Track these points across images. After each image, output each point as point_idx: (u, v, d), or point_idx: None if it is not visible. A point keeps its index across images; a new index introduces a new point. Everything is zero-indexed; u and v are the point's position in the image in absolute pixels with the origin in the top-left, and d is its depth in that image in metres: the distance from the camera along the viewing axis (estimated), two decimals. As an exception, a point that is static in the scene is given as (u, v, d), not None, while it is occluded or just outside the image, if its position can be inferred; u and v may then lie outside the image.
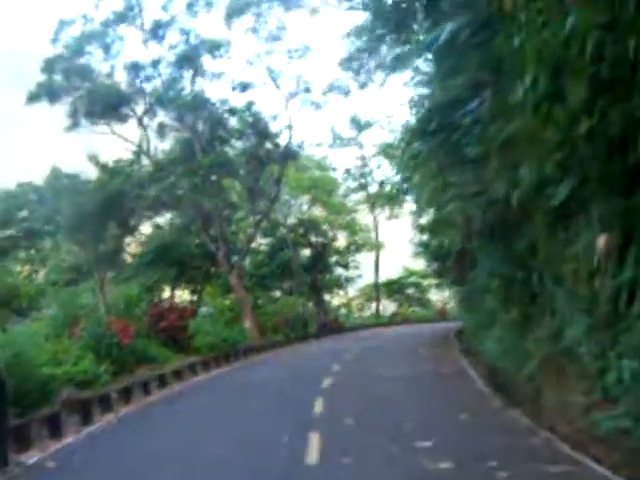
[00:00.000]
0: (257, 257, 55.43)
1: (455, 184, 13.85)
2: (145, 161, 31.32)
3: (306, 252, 59.52)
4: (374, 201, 62.78)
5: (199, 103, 31.50)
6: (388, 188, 58.17)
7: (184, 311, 25.57)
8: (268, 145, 33.24)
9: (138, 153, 27.01)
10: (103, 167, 22.30)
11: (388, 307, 73.17)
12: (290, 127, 33.94)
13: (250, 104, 32.13)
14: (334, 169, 61.44)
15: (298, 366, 21.55)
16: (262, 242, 58.05)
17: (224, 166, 32.64)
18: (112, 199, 19.26)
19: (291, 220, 58.44)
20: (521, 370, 14.64)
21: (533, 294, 13.89)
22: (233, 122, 33.19)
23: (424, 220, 32.15)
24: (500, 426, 10.53)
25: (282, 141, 34.06)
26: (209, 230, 33.75)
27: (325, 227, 59.89)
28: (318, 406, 12.69)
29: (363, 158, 61.63)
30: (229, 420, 12.19)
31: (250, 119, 32.12)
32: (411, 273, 71.34)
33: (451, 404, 12.63)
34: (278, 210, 55.25)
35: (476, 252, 16.41)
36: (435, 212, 20.03)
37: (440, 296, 76.16)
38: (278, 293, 57.06)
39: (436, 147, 14.06)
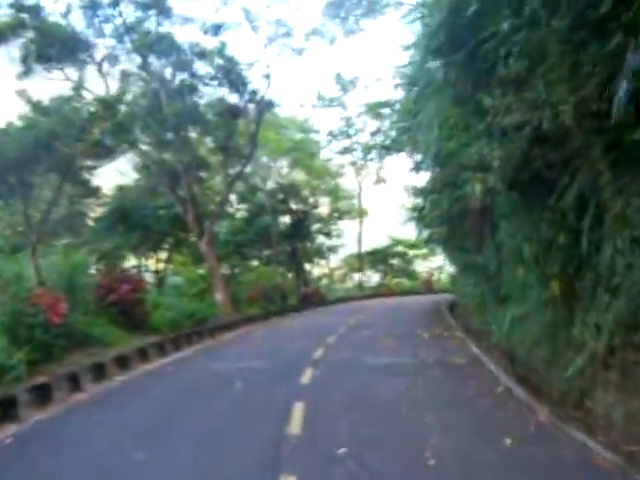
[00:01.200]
0: (234, 223, 51.68)
1: (483, 115, 10.15)
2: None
3: (286, 219, 55.90)
4: (361, 162, 58.65)
5: (165, 47, 27.40)
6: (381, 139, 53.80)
7: (140, 281, 21.72)
8: (243, 95, 29.21)
9: (77, 88, 22.95)
10: (34, 105, 18.29)
11: (372, 278, 70.03)
12: (268, 76, 29.99)
13: (223, 45, 27.98)
14: (317, 131, 57.41)
15: (272, 351, 17.89)
16: (239, 207, 54.43)
17: (193, 118, 28.67)
18: (42, 142, 15.38)
19: (270, 184, 54.74)
20: (558, 362, 11.28)
21: (580, 264, 10.44)
22: (204, 69, 29.11)
23: (423, 176, 28.55)
24: (571, 459, 7.03)
25: (259, 92, 30.16)
26: (177, 191, 29.91)
27: (306, 193, 56.11)
28: (295, 423, 8.85)
29: (348, 119, 57.63)
30: (160, 453, 7.73)
31: (222, 62, 28.03)
32: (397, 242, 68.09)
33: (481, 420, 9.05)
34: (256, 174, 51.65)
35: (502, 209, 12.83)
36: (445, 160, 16.27)
37: (426, 267, 73.39)
38: (256, 262, 53.50)
39: (458, 66, 10.31)
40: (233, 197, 55.66)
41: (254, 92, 29.49)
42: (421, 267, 72.84)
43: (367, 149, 53.21)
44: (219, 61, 28.01)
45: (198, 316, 23.32)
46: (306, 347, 17.88)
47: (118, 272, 21.58)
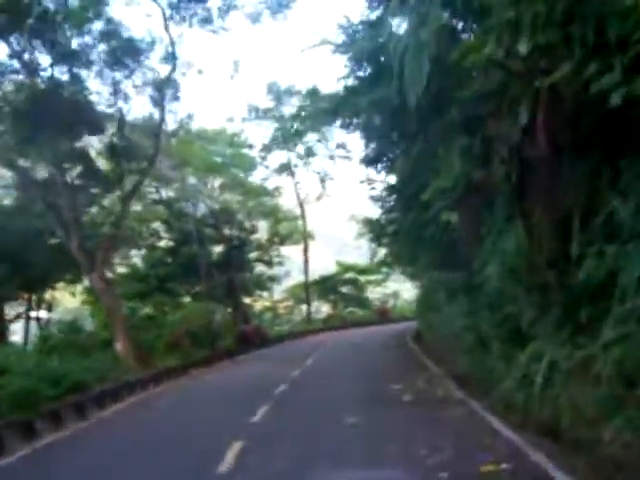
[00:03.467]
0: (154, 254, 44.21)
1: None
2: None
3: (219, 248, 48.70)
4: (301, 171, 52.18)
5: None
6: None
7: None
8: (136, 72, 22.03)
9: None
10: None
11: (321, 308, 63.13)
12: (173, 57, 22.87)
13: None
14: (250, 146, 50.62)
15: (159, 448, 10.67)
16: (164, 236, 46.97)
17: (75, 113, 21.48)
18: None
19: (200, 208, 47.57)
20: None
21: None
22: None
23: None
24: None
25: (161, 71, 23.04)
26: (59, 211, 22.50)
27: (241, 216, 49.08)
28: None
29: (283, 130, 51.06)
30: None
31: (101, 25, 20.85)
32: (346, 268, 61.56)
33: None
34: (182, 197, 44.54)
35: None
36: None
37: (379, 294, 66.99)
38: (188, 299, 46.06)
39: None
40: (157, 225, 48.59)
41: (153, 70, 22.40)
42: (374, 294, 66.46)
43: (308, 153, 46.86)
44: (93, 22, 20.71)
45: (69, 381, 15.86)
46: (216, 436, 10.78)
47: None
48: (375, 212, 29.05)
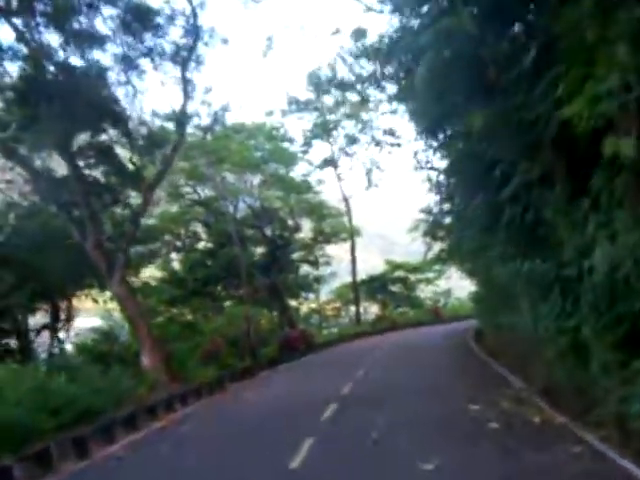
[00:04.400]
0: (192, 256, 41.74)
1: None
2: None
3: (260, 249, 46.03)
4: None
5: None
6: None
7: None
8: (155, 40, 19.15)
9: None
10: None
11: (369, 310, 59.92)
12: (195, 26, 19.86)
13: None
14: (291, 140, 47.76)
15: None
16: (203, 237, 44.52)
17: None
18: None
19: (241, 207, 44.94)
20: None
21: None
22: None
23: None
24: None
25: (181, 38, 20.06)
26: (72, 209, 19.95)
27: (284, 214, 46.29)
28: None
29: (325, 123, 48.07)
30: None
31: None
32: (396, 266, 58.30)
33: None
34: (221, 196, 41.89)
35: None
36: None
37: (430, 292, 63.49)
38: (229, 303, 43.61)
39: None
40: (197, 227, 46.17)
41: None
42: (425, 293, 63.02)
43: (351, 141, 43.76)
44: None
45: (75, 408, 13.10)
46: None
47: None
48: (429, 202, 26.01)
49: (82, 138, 20.85)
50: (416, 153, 21.52)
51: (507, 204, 13.40)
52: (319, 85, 48.54)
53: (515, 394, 13.51)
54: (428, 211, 25.31)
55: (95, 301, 24.55)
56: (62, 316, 23.38)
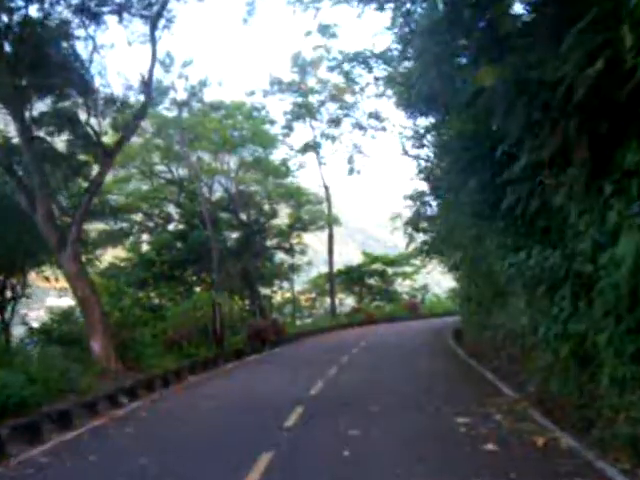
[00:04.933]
0: (162, 237, 39.65)
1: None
2: None
3: (234, 234, 44.05)
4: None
5: None
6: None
7: None
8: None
9: None
10: None
11: (345, 302, 58.37)
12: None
13: None
14: (272, 122, 45.69)
15: None
16: (176, 219, 42.38)
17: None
18: None
19: (215, 191, 43.06)
20: None
21: None
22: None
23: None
24: None
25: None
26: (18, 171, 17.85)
27: (260, 198, 44.39)
28: None
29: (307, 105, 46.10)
30: None
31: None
32: (374, 259, 56.75)
33: None
34: (192, 176, 39.92)
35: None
36: None
37: (407, 287, 62.10)
38: (198, 289, 41.45)
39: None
40: (170, 207, 44.03)
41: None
42: (402, 288, 61.63)
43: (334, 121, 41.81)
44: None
45: (-3, 402, 11.19)
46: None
47: None
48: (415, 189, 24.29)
49: (46, 103, 18.85)
50: (403, 134, 19.74)
51: (508, 188, 11.68)
52: (303, 67, 46.72)
53: (507, 404, 11.85)
54: (412, 197, 23.59)
55: (47, 279, 22.45)
56: (9, 294, 21.25)
